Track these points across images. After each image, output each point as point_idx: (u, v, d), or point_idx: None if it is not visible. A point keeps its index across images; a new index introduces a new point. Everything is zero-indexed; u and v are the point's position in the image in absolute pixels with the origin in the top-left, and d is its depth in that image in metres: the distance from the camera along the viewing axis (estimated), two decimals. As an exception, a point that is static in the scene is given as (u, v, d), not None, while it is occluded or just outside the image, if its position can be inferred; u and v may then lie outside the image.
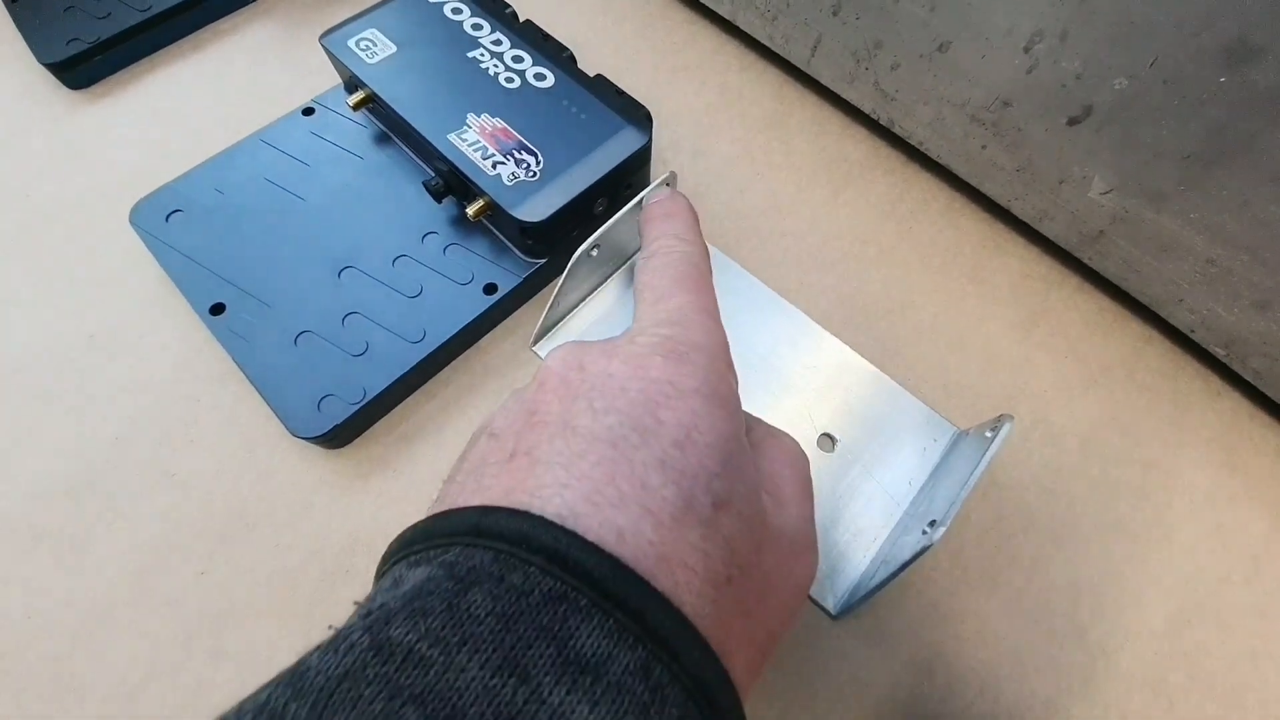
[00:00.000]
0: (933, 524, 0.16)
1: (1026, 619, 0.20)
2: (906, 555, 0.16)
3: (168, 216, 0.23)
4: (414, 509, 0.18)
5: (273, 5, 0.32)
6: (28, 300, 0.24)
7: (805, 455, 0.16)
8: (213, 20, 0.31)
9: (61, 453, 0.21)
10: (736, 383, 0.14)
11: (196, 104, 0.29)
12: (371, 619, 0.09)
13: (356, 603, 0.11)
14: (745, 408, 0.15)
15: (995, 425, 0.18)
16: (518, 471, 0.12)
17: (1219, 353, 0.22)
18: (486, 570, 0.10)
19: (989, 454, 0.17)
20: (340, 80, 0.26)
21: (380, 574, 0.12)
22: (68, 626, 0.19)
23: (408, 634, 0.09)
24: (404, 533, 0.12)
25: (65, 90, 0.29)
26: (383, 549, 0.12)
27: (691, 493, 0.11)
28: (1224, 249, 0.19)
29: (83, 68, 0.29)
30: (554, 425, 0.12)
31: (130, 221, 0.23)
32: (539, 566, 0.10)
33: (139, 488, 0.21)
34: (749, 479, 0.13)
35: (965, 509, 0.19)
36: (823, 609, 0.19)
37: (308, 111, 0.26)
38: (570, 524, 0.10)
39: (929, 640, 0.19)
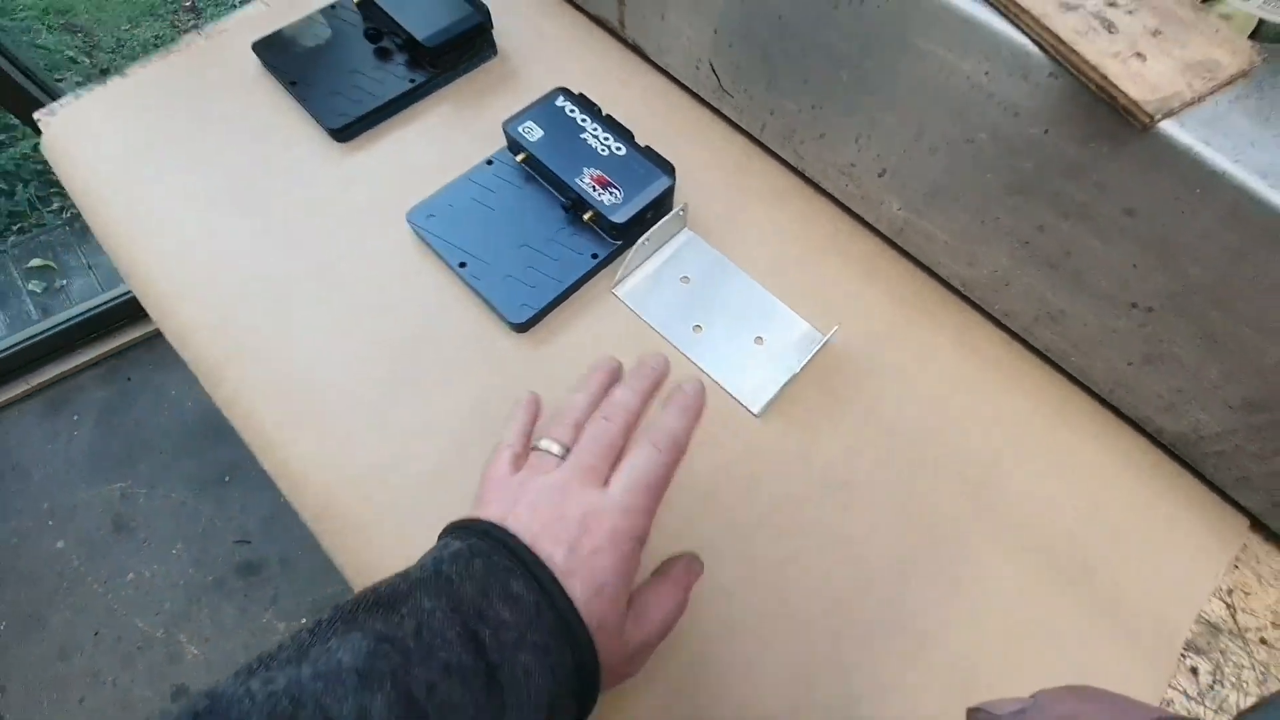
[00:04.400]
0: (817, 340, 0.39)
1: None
2: (801, 364, 0.39)
3: (427, 217, 0.46)
4: (561, 359, 0.40)
5: (450, 94, 0.54)
6: (339, 265, 0.46)
7: (677, 617, 0.29)
8: (419, 100, 0.53)
9: (376, 344, 0.43)
10: (642, 544, 0.27)
11: (419, 153, 0.51)
12: (435, 560, 0.24)
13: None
14: (723, 329, 0.37)
15: (831, 331, 0.40)
16: (505, 504, 0.26)
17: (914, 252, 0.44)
18: (480, 550, 0.24)
19: (826, 340, 0.39)
20: (506, 144, 0.48)
21: (441, 536, 0.27)
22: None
23: (450, 570, 0.23)
24: (452, 522, 0.27)
25: (337, 145, 0.51)
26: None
27: (580, 550, 0.24)
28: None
29: (349, 130, 0.51)
30: (532, 492, 0.26)
31: (407, 219, 0.46)
32: (504, 554, 0.24)
33: (433, 367, 0.43)
34: (618, 591, 0.25)
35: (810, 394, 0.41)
36: (749, 411, 0.41)
37: (489, 162, 0.48)
38: (525, 539, 0.24)
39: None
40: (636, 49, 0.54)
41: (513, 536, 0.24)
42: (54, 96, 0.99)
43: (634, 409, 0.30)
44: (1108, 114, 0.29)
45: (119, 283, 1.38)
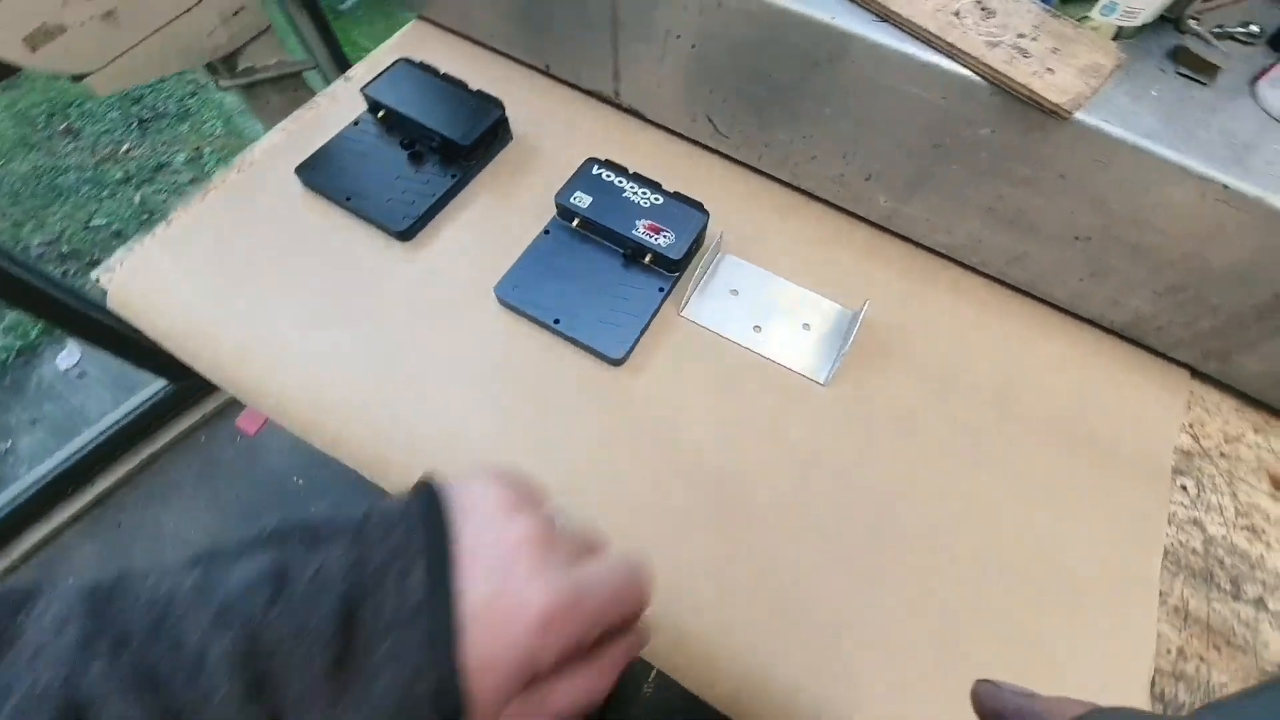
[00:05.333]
0: (854, 316, 0.49)
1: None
2: (852, 336, 0.49)
3: (513, 288, 0.53)
4: (660, 378, 0.49)
5: (484, 180, 0.61)
6: (444, 349, 0.53)
7: (588, 704, 0.23)
8: (460, 191, 0.60)
9: (501, 410, 0.50)
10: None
11: (476, 237, 0.58)
12: (371, 511, 0.22)
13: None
14: (777, 323, 0.47)
15: (863, 305, 0.51)
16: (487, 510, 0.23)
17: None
18: (413, 515, 0.22)
19: (863, 313, 0.50)
20: (557, 213, 0.56)
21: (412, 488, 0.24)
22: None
23: (374, 530, 0.21)
24: (416, 483, 0.24)
25: (401, 245, 0.58)
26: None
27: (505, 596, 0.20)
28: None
29: (412, 230, 0.57)
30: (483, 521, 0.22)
31: (496, 294, 0.53)
32: (425, 534, 0.21)
33: (556, 414, 0.50)
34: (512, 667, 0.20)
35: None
36: (815, 382, 0.51)
37: (546, 231, 0.56)
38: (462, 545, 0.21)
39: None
40: (633, 112, 0.64)
41: (450, 525, 0.22)
42: None
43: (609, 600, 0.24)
44: (1038, 114, 0.42)
45: (78, 430, 1.32)
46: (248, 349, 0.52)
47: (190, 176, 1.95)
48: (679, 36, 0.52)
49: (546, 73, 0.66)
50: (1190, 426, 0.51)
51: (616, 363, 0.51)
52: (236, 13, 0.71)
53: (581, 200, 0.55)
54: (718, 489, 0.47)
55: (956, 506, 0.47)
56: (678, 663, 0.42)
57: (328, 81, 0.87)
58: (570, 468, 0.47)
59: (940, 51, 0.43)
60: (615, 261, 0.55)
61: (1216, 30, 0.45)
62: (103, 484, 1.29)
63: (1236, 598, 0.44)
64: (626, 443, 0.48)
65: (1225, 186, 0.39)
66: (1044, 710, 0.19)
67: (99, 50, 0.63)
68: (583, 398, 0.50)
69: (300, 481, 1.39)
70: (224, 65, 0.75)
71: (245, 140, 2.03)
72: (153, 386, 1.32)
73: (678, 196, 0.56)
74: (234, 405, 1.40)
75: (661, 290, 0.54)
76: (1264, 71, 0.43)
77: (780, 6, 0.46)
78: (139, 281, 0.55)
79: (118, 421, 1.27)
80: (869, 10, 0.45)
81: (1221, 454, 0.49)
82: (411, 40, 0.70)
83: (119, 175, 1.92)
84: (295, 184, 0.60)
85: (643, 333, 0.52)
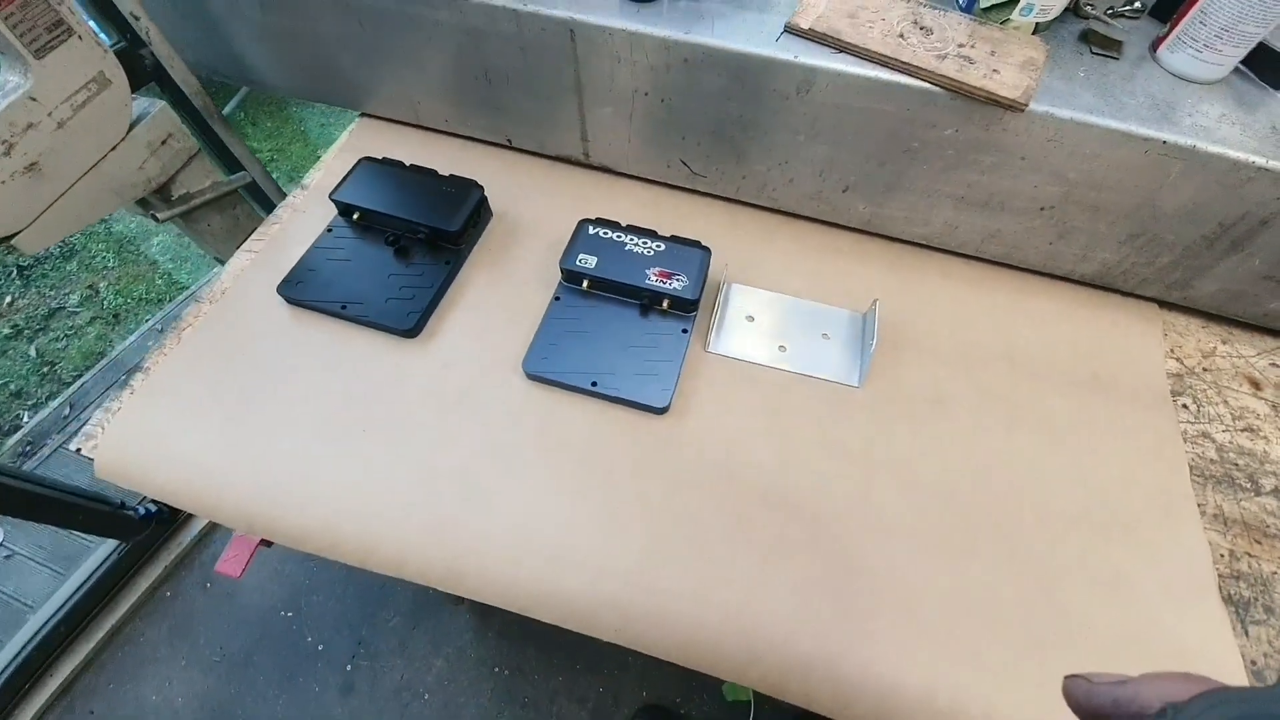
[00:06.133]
0: (870, 317, 0.52)
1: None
2: (874, 337, 0.52)
3: (541, 360, 0.53)
4: (706, 419, 0.50)
5: (475, 260, 0.61)
6: (483, 435, 0.51)
7: None
8: (456, 275, 0.59)
9: (567, 482, 0.50)
10: None
11: (484, 317, 0.57)
12: None
13: None
14: (798, 339, 0.49)
15: (873, 306, 0.55)
16: None
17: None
18: None
19: (877, 313, 0.53)
20: (563, 278, 0.57)
21: None
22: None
23: None
24: None
25: (408, 341, 0.56)
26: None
27: None
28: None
29: (419, 325, 0.56)
30: None
31: (525, 370, 0.52)
32: None
33: (617, 476, 0.50)
34: None
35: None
36: (850, 386, 0.54)
37: (557, 298, 0.56)
38: None
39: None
40: (603, 169, 0.66)
41: None
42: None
43: None
44: (996, 109, 0.47)
45: (21, 620, 1.16)
46: (273, 488, 0.49)
47: (90, 316, 1.80)
48: (646, 94, 0.55)
49: (510, 146, 0.67)
50: (1171, 351, 0.57)
51: (662, 411, 0.52)
52: (165, 141, 0.67)
53: (587, 261, 0.55)
54: (795, 509, 0.48)
55: (1007, 472, 0.50)
56: (819, 694, 0.42)
57: (269, 194, 0.84)
58: (650, 528, 0.47)
59: (898, 70, 0.48)
60: (632, 313, 0.56)
61: (1110, 11, 0.52)
62: (64, 671, 1.13)
63: (1258, 493, 0.49)
64: (695, 486, 0.48)
65: (1164, 142, 0.45)
66: (1136, 694, 0.19)
67: (26, 206, 0.58)
68: (639, 452, 0.50)
69: (289, 614, 1.28)
70: (157, 197, 0.70)
71: (143, 267, 1.90)
72: (99, 551, 1.19)
73: (676, 239, 0.57)
74: (202, 549, 1.28)
75: (685, 331, 0.55)
76: (1160, 39, 0.50)
77: (746, 53, 0.49)
78: (129, 442, 0.51)
79: (68, 599, 1.13)
80: (826, 45, 0.49)
81: (1204, 369, 0.55)
82: (362, 139, 0.69)
83: (6, 330, 1.74)
84: (279, 303, 0.57)
85: (678, 377, 0.53)
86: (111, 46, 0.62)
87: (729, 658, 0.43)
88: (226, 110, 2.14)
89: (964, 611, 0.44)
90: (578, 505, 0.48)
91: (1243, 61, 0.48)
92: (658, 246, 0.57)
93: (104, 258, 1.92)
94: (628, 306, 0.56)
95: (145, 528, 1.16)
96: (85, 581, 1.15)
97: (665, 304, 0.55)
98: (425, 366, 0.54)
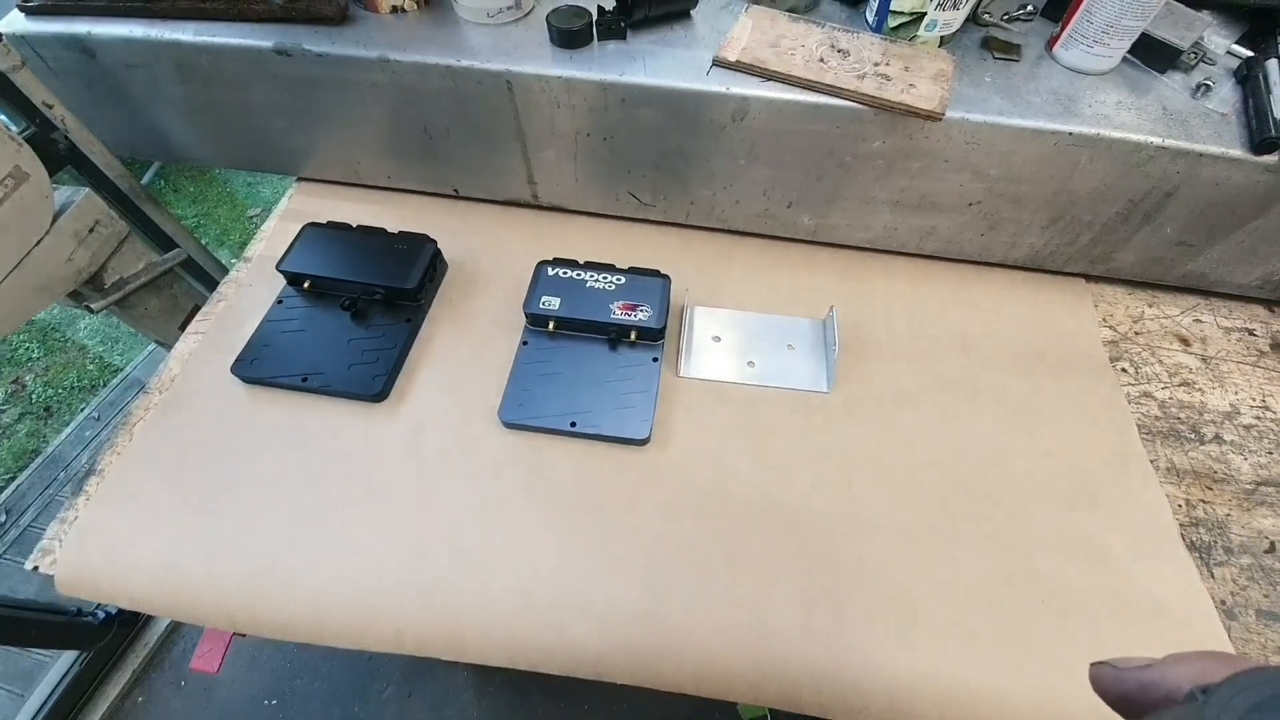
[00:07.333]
0: (829, 324, 0.54)
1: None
2: (835, 342, 0.54)
3: (518, 407, 0.52)
4: (687, 444, 0.51)
5: (436, 314, 0.60)
6: (469, 493, 0.51)
7: None
8: (418, 332, 0.59)
9: (562, 524, 0.49)
10: None
11: (452, 371, 0.56)
12: None
13: None
14: (765, 353, 0.51)
15: (830, 313, 0.57)
16: None
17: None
18: None
19: (835, 318, 0.55)
20: (527, 323, 0.57)
21: None
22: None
23: None
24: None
25: (377, 406, 0.55)
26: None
27: None
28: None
29: (384, 390, 0.55)
30: None
31: (502, 420, 0.52)
32: None
33: (610, 513, 0.50)
34: None
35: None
36: (818, 392, 0.56)
37: (525, 343, 0.56)
38: None
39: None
40: (553, 208, 0.67)
41: None
42: None
43: None
44: (916, 120, 0.50)
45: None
46: (253, 579, 0.47)
47: (19, 413, 1.68)
48: (589, 134, 0.56)
49: (457, 195, 0.67)
50: (1103, 320, 0.61)
51: (643, 442, 0.52)
52: (92, 228, 0.64)
53: (550, 303, 0.56)
54: (785, 520, 0.49)
55: (974, 455, 0.53)
56: (832, 701, 0.43)
57: (206, 269, 0.81)
58: (649, 560, 0.47)
59: (823, 92, 0.50)
60: (601, 349, 0.56)
61: (1006, 17, 0.57)
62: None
63: (1202, 441, 0.53)
64: (686, 513, 0.49)
65: (1070, 133, 0.49)
66: (1164, 677, 0.18)
67: (-54, 316, 0.55)
68: (626, 487, 0.50)
69: (273, 703, 1.22)
70: (89, 287, 0.67)
71: (71, 354, 1.80)
72: (60, 663, 1.10)
73: (635, 270, 0.58)
74: (171, 646, 1.20)
75: (656, 360, 0.56)
76: (1055, 38, 0.54)
77: (680, 89, 0.51)
78: (91, 552, 0.48)
79: (28, 724, 1.04)
80: (754, 74, 0.51)
81: (1136, 333, 0.60)
82: (302, 203, 0.68)
83: (-75, 440, 1.61)
84: (235, 383, 0.55)
85: (656, 405, 0.54)
86: (20, 133, 0.59)
87: (742, 680, 0.43)
88: (144, 180, 2.06)
89: (957, 596, 0.46)
90: (573, 549, 0.48)
91: (1130, 51, 0.53)
92: (618, 280, 0.57)
93: (27, 349, 1.80)
94: (596, 343, 0.57)
95: (107, 632, 1.08)
96: (47, 699, 1.07)
97: (633, 336, 0.56)
98: (398, 430, 0.53)
